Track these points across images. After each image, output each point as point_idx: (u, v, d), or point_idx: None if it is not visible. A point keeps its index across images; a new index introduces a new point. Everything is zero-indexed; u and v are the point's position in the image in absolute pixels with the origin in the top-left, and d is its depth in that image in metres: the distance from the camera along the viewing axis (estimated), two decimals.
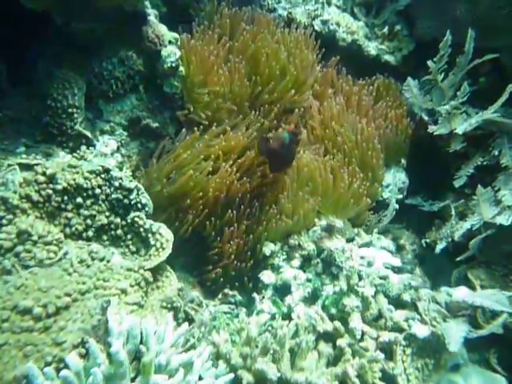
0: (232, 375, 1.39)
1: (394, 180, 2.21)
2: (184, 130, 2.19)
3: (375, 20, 2.95)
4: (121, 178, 1.96)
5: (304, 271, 2.11)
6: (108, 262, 1.79)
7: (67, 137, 2.21)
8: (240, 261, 2.18)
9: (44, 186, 1.89)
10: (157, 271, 1.88)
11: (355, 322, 1.68)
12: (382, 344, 1.74)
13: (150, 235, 1.93)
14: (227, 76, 2.19)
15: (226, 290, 2.21)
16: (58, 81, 2.26)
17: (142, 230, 1.93)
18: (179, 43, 2.18)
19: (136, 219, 1.94)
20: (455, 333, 1.87)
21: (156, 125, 2.30)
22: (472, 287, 2.25)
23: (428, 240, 2.50)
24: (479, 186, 2.15)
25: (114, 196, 1.96)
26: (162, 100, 2.33)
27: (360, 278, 1.92)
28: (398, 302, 1.92)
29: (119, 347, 1.22)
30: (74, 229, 1.91)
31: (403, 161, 2.75)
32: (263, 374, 1.44)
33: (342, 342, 1.60)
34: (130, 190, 1.97)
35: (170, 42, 2.16)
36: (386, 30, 2.86)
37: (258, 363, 1.47)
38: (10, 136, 2.24)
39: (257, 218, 2.21)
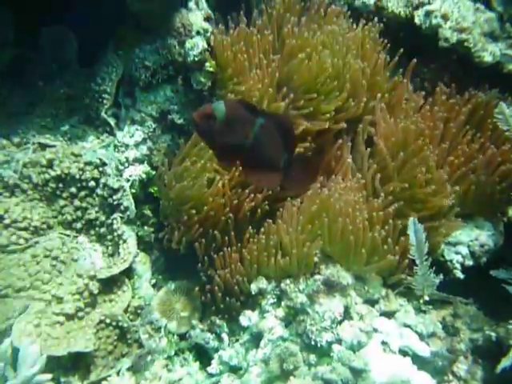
0: None
1: (418, 235, 1.58)
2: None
3: None
4: (109, 175, 1.86)
5: (286, 326, 1.72)
6: (63, 262, 1.73)
7: (100, 122, 2.21)
8: (228, 294, 1.89)
9: (44, 169, 1.91)
10: (115, 283, 1.76)
11: None
12: None
13: (121, 242, 1.81)
14: (256, 81, 1.85)
15: (213, 318, 1.97)
16: (105, 63, 2.25)
17: (115, 234, 1.82)
18: (209, 35, 1.92)
19: (114, 222, 1.84)
20: None
21: (181, 121, 2.11)
22: None
23: (494, 334, 1.77)
24: None
25: (100, 193, 1.88)
26: (197, 95, 2.13)
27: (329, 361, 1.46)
28: None
29: None
30: (64, 218, 1.91)
31: (503, 215, 2.00)
32: None
33: None
34: (115, 190, 1.86)
35: (197, 32, 1.92)
36: None
37: None
38: (63, 113, 2.34)
39: (253, 245, 1.87)
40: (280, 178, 1.45)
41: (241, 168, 1.59)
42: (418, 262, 1.63)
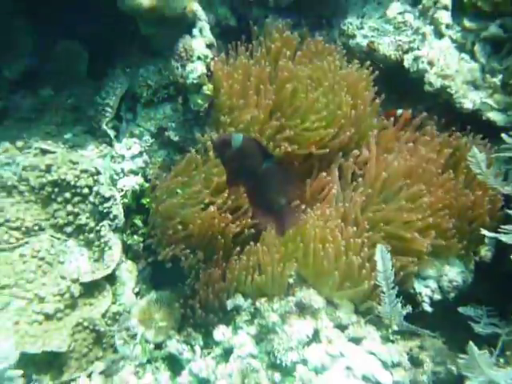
0: None
1: (385, 263, 1.66)
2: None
3: (496, 63, 2.26)
4: (102, 184, 1.95)
5: (258, 343, 1.79)
6: (49, 263, 1.81)
7: (101, 133, 2.32)
8: (208, 310, 1.95)
9: (42, 173, 2.00)
10: (97, 288, 1.83)
11: None
12: None
13: (106, 249, 1.89)
14: (252, 109, 1.96)
15: (190, 330, 2.04)
16: (112, 79, 2.37)
17: (102, 241, 1.90)
18: (209, 60, 2.05)
19: (102, 228, 1.92)
20: None
21: (177, 138, 2.22)
22: None
23: (455, 368, 1.83)
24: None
25: (92, 200, 1.97)
26: (194, 115, 2.24)
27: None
28: None
29: None
30: (56, 221, 1.99)
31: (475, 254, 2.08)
32: None
33: None
34: (106, 199, 1.95)
35: (198, 57, 2.04)
36: (498, 78, 2.17)
37: None
38: (68, 123, 2.45)
39: (236, 265, 1.95)
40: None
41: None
42: (384, 289, 1.70)
